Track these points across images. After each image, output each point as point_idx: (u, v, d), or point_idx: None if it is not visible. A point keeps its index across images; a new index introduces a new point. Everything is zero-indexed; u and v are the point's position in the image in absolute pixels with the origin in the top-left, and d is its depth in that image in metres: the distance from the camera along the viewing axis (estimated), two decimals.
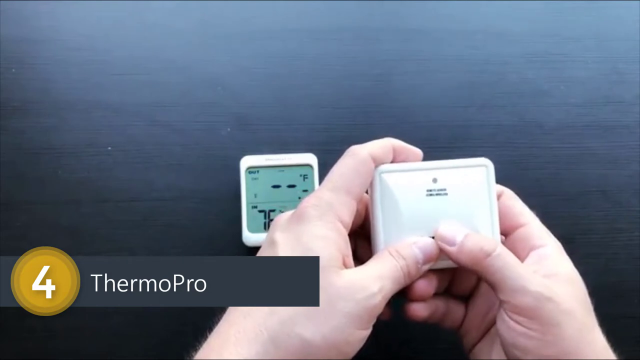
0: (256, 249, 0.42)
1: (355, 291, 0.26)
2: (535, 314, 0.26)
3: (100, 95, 0.45)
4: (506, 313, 0.27)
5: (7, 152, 0.44)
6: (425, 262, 0.29)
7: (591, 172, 0.45)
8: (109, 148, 0.44)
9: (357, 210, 0.30)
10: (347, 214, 0.29)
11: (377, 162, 0.30)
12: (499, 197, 0.31)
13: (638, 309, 0.43)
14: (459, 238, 0.29)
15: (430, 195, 0.31)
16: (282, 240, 0.28)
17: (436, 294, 0.32)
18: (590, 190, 0.45)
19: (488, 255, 0.28)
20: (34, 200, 0.43)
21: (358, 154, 0.30)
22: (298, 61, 0.46)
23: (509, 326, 0.27)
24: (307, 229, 0.28)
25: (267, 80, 0.45)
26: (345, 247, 0.28)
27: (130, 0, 0.46)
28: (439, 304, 0.32)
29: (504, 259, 0.28)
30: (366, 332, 0.27)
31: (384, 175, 0.31)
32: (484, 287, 0.33)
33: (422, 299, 0.30)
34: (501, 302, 0.28)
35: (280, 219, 0.30)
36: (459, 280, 0.33)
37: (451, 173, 0.31)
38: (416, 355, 0.42)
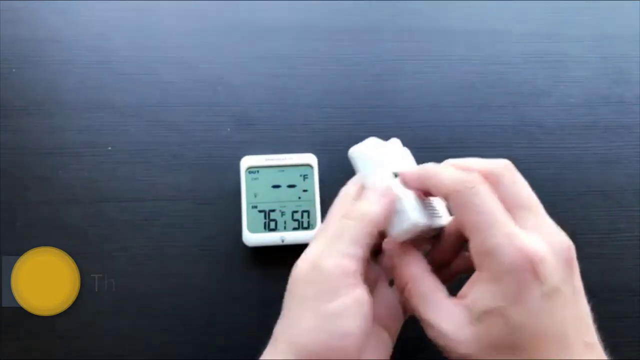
0: (256, 249, 0.42)
1: (311, 273, 0.27)
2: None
3: (101, 95, 0.45)
4: None
5: (7, 152, 0.44)
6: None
7: (591, 172, 0.45)
8: (109, 148, 0.44)
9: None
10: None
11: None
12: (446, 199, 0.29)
13: (638, 308, 0.43)
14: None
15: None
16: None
17: None
18: (590, 190, 0.45)
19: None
20: (34, 200, 0.43)
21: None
22: (298, 61, 0.46)
23: None
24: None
25: (267, 80, 0.46)
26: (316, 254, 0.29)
27: (131, 0, 0.46)
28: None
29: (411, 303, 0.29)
30: (340, 302, 0.26)
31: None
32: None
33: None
34: None
35: None
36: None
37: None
38: (416, 354, 0.42)
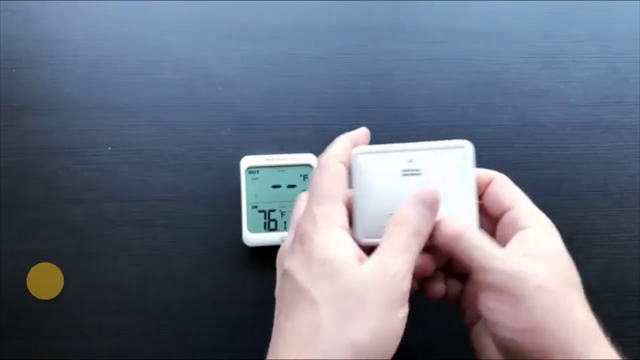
0: (256, 249, 0.42)
1: (380, 278, 0.27)
2: (503, 290, 0.27)
3: (100, 95, 0.45)
4: (481, 292, 0.28)
5: (7, 152, 0.44)
6: (430, 209, 0.29)
7: (591, 172, 0.45)
8: (109, 148, 0.44)
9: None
10: (342, 219, 0.29)
11: (344, 161, 0.31)
12: (489, 183, 0.32)
13: (638, 309, 0.43)
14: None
15: (406, 175, 0.31)
16: (295, 267, 0.28)
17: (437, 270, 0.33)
18: (590, 190, 0.45)
19: (459, 237, 0.29)
20: (34, 200, 0.43)
21: (326, 163, 0.31)
22: (298, 61, 0.46)
23: (484, 304, 0.28)
24: (314, 246, 0.28)
25: (267, 80, 0.46)
26: (354, 246, 0.29)
27: (131, 0, 0.46)
28: (437, 281, 0.33)
29: (472, 240, 0.28)
30: (404, 311, 0.27)
31: (360, 157, 0.32)
32: None
33: (424, 276, 0.32)
34: (476, 283, 0.29)
35: (284, 248, 0.32)
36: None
37: (427, 154, 0.31)
38: (418, 354, 0.42)
